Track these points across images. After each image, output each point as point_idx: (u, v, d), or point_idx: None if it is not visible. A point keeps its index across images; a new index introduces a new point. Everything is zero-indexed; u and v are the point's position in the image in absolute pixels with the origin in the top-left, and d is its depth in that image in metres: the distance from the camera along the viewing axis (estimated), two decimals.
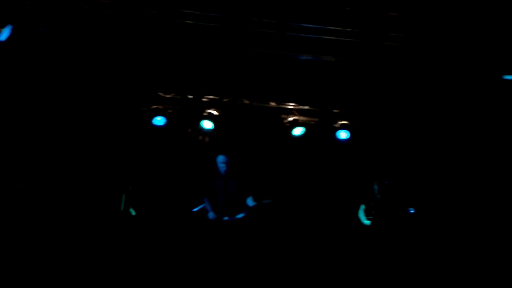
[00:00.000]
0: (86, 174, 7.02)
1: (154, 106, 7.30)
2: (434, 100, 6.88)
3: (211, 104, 7.40)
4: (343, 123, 7.29)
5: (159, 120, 7.29)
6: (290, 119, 7.41)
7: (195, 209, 6.37)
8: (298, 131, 7.38)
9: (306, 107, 7.43)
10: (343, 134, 7.29)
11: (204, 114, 7.31)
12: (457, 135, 7.21)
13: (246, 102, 7.45)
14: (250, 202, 6.15)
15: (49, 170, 6.87)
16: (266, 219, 7.05)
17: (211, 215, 6.12)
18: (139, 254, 6.66)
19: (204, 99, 7.40)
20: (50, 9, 5.31)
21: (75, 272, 5.74)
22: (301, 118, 7.42)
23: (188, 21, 5.82)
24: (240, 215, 6.15)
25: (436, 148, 7.32)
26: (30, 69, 6.34)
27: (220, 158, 6.31)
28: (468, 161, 7.21)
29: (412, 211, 6.43)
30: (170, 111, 7.42)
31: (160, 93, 7.34)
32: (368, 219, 6.67)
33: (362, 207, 6.81)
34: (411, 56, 6.08)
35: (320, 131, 7.54)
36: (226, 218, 6.08)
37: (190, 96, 7.40)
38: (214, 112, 7.37)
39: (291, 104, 7.41)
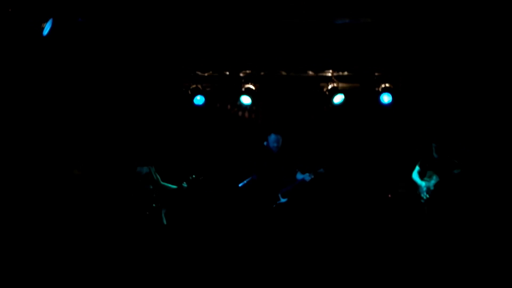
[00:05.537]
0: (131, 159, 7.20)
1: (193, 86, 7.33)
2: (481, 54, 6.56)
3: (248, 79, 7.37)
4: (386, 86, 7.10)
5: (199, 100, 7.34)
6: (330, 87, 7.28)
7: (241, 184, 6.39)
8: (338, 98, 7.24)
9: (345, 73, 7.27)
10: (386, 98, 7.11)
11: (242, 89, 7.30)
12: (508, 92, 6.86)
13: (283, 73, 7.37)
14: (299, 175, 6.17)
15: (94, 153, 7.10)
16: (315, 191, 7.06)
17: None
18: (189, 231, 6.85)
19: (241, 74, 7.37)
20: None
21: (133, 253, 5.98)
22: (341, 85, 7.27)
23: None
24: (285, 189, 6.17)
25: (487, 104, 7.03)
26: (72, 55, 6.53)
27: (272, 138, 6.25)
28: None
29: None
30: (208, 89, 7.45)
31: (198, 72, 7.36)
32: (423, 180, 6.51)
33: (417, 168, 6.65)
34: (451, 10, 5.80)
35: (362, 96, 7.38)
36: (283, 200, 6.14)
37: (227, 73, 7.39)
38: (252, 87, 7.34)
39: (329, 71, 7.28)
